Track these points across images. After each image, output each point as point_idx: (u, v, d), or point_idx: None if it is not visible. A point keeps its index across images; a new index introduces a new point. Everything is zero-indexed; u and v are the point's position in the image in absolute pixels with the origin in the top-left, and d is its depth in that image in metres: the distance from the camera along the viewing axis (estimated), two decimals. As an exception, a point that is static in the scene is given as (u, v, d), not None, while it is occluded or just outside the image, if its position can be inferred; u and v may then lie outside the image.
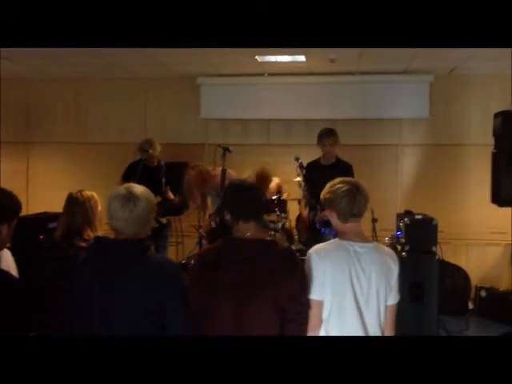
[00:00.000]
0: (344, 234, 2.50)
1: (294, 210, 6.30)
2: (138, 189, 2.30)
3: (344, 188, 2.48)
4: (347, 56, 5.80)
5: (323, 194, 2.56)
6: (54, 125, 7.56)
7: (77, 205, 3.01)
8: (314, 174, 5.10)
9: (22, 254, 2.92)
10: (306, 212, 5.37)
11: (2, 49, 5.51)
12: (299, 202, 6.13)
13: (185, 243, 6.56)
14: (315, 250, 2.49)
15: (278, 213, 5.83)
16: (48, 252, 3.04)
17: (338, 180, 2.55)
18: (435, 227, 4.79)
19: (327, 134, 5.23)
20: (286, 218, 6.10)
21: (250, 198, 2.42)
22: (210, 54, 5.86)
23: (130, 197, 2.24)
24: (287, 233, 5.94)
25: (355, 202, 2.45)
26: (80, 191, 3.07)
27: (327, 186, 2.55)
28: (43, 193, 7.17)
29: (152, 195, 2.35)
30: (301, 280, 2.35)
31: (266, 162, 6.60)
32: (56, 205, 3.20)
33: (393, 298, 2.51)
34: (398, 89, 6.72)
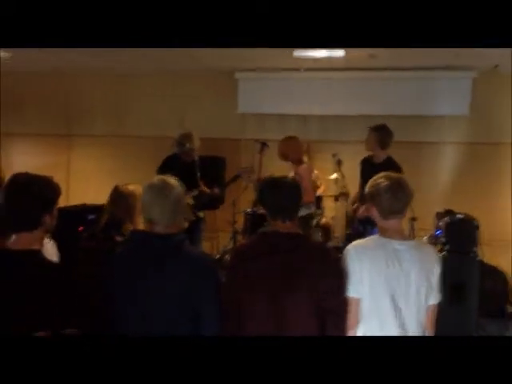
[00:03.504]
0: (384, 231, 2.45)
1: (329, 206, 6.26)
2: (171, 179, 2.36)
3: (385, 183, 2.42)
4: (387, 51, 5.69)
5: (366, 188, 2.52)
6: (94, 118, 7.68)
7: (121, 197, 3.06)
8: (364, 171, 5.04)
9: (62, 244, 2.95)
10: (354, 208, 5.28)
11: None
12: (336, 199, 6.08)
13: (219, 238, 6.59)
14: (353, 246, 2.46)
15: (314, 209, 5.79)
16: (85, 243, 3.09)
17: (381, 175, 2.49)
18: (476, 227, 4.66)
19: (371, 128, 5.04)
20: (322, 214, 6.06)
21: (288, 199, 2.39)
22: (248, 49, 5.84)
23: (164, 185, 2.30)
24: (324, 229, 5.89)
25: (396, 198, 2.39)
26: (126, 184, 3.12)
27: (370, 181, 2.51)
28: (83, 185, 7.30)
29: (182, 188, 2.37)
30: (337, 275, 2.33)
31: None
32: (96, 197, 3.24)
33: (434, 298, 2.44)
34: (439, 85, 6.59)
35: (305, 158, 5.51)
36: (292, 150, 5.31)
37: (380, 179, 2.45)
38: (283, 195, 2.38)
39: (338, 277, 2.34)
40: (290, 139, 5.40)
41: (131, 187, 3.09)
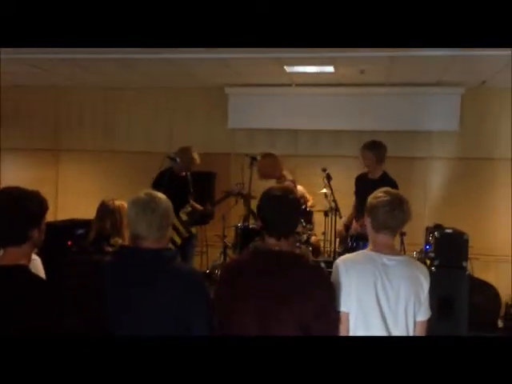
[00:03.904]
0: (375, 245, 2.45)
1: (319, 221, 6.25)
2: (157, 193, 2.33)
3: (385, 198, 2.41)
4: (377, 67, 5.75)
5: (367, 200, 2.50)
6: (82, 133, 7.65)
7: (107, 212, 3.11)
8: (360, 187, 5.09)
9: (51, 260, 2.93)
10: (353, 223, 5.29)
11: (32, 57, 5.59)
12: (326, 214, 6.06)
13: (209, 253, 6.55)
14: (342, 260, 2.46)
15: (304, 224, 5.77)
16: (74, 256, 3.11)
17: (383, 190, 2.49)
18: (466, 242, 4.68)
19: (367, 147, 5.09)
20: (312, 229, 6.04)
21: (286, 216, 2.32)
22: (238, 64, 5.87)
23: (151, 199, 2.26)
24: (313, 246, 5.86)
25: (392, 215, 2.38)
26: (112, 200, 3.17)
27: (373, 194, 2.50)
28: (72, 200, 7.25)
29: (169, 202, 2.34)
30: (328, 296, 2.29)
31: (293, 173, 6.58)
32: (84, 212, 3.26)
33: (423, 314, 2.43)
34: (428, 101, 6.64)
35: (288, 175, 5.51)
36: (271, 167, 5.31)
37: (381, 193, 2.45)
38: (283, 213, 2.31)
39: (330, 298, 2.30)
40: (268, 156, 5.40)
41: (117, 202, 3.13)
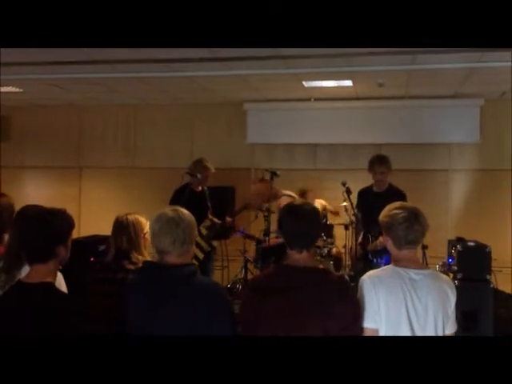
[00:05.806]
0: (399, 261, 2.43)
1: (340, 235, 6.23)
2: (181, 209, 2.35)
3: (402, 214, 2.39)
4: (395, 80, 5.75)
5: (381, 218, 2.47)
6: (104, 150, 7.77)
7: (122, 228, 3.02)
8: (366, 202, 4.96)
9: (73, 275, 2.95)
10: (359, 241, 5.22)
11: (54, 76, 5.69)
12: (346, 227, 6.05)
13: (230, 267, 6.55)
14: (368, 276, 2.41)
15: (324, 238, 5.77)
16: (98, 274, 3.07)
17: (396, 205, 2.46)
18: (489, 254, 4.61)
19: (379, 162, 4.99)
20: (333, 243, 6.03)
21: (307, 228, 2.32)
22: (256, 80, 5.92)
23: (175, 215, 2.28)
24: (334, 259, 5.85)
25: (412, 229, 2.36)
26: (126, 214, 3.07)
27: (385, 210, 2.47)
28: (95, 216, 7.33)
29: (193, 217, 2.36)
30: (353, 311, 2.27)
31: (312, 187, 6.58)
32: (107, 228, 3.25)
33: (450, 328, 2.40)
34: (447, 113, 6.63)
35: (286, 191, 5.60)
36: (256, 195, 5.54)
37: (395, 210, 2.43)
38: (303, 225, 2.32)
39: (354, 313, 2.27)
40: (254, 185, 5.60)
41: (131, 216, 3.06)
